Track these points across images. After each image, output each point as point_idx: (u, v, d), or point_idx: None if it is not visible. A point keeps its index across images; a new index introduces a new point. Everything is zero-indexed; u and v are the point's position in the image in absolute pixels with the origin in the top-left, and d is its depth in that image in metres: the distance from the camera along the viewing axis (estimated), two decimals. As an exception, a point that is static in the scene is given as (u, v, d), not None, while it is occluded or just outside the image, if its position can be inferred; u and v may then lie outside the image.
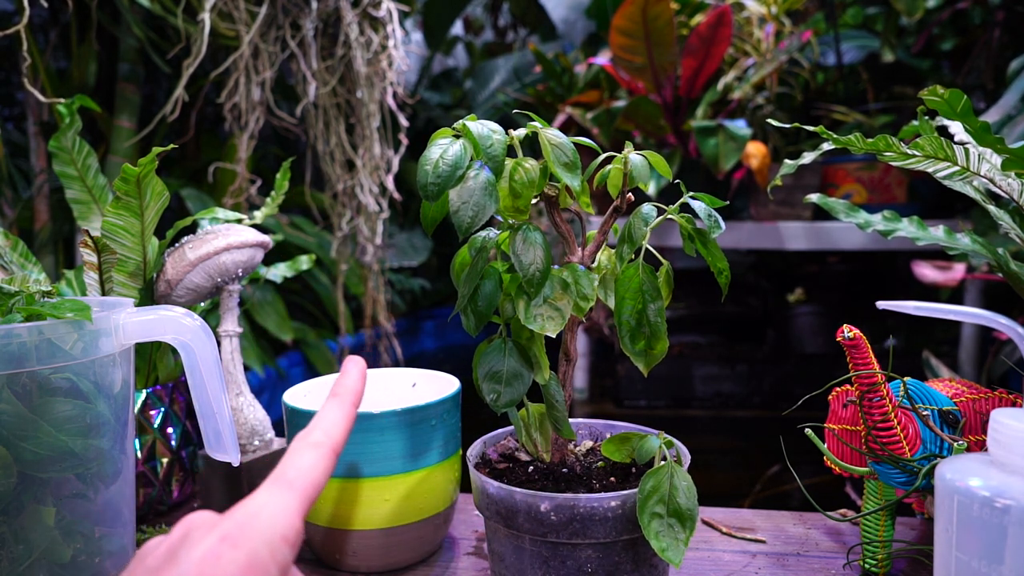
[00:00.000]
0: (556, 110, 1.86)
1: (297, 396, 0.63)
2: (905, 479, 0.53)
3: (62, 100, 0.76)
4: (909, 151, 0.54)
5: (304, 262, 0.83)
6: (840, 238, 1.70)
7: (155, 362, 0.72)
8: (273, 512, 0.29)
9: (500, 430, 0.59)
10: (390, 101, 1.43)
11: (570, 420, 0.52)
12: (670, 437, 0.51)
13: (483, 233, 0.49)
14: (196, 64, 1.18)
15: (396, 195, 1.51)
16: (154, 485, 0.70)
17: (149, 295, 0.68)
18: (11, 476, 0.45)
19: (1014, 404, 0.55)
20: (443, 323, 2.81)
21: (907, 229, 0.64)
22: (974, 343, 1.72)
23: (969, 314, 0.52)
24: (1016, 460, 0.38)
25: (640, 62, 1.58)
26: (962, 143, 0.61)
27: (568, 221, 0.51)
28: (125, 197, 0.62)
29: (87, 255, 0.66)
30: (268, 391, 1.75)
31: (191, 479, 0.74)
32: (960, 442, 0.51)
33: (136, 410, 0.69)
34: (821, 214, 1.72)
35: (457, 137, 0.45)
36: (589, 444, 0.58)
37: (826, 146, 0.57)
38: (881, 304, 0.57)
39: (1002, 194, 0.58)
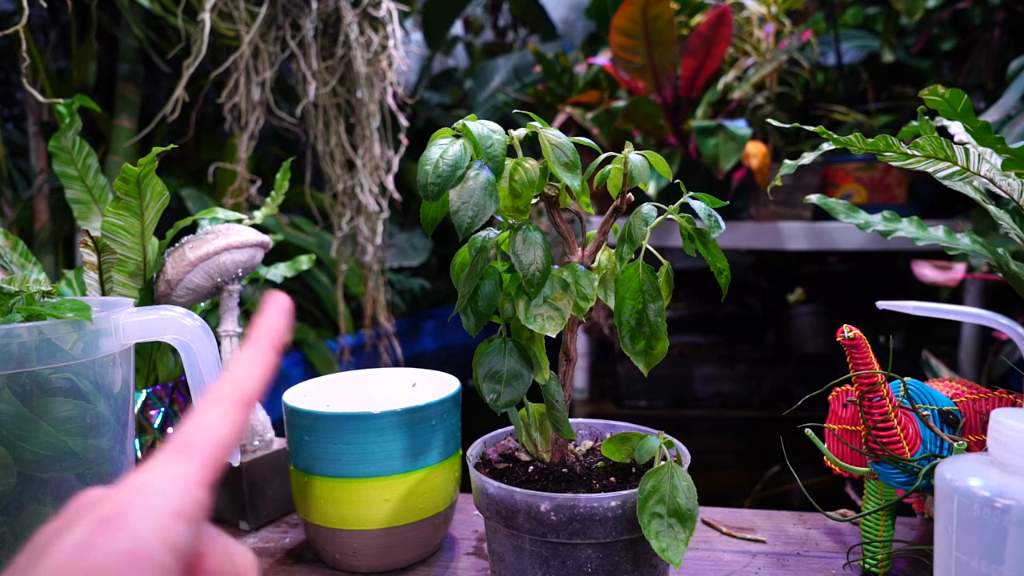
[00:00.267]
0: (556, 110, 1.86)
1: (297, 396, 0.63)
2: (905, 479, 0.53)
3: (62, 100, 0.76)
4: (909, 151, 0.54)
5: (304, 262, 0.83)
6: (840, 238, 1.70)
7: (155, 362, 0.72)
8: (162, 486, 0.24)
9: (500, 430, 0.59)
10: (390, 101, 1.43)
11: (570, 420, 0.52)
12: (670, 437, 0.51)
13: (483, 233, 0.49)
14: (196, 64, 1.18)
15: (396, 195, 1.51)
16: (154, 485, 0.70)
17: (149, 295, 0.68)
18: (11, 476, 0.45)
19: (1014, 404, 0.55)
20: (443, 323, 2.81)
21: (907, 229, 0.64)
22: (974, 343, 1.72)
23: (969, 314, 0.52)
24: (1016, 460, 0.38)
25: (640, 62, 1.58)
26: (962, 143, 0.61)
27: (568, 221, 0.51)
28: (125, 197, 0.62)
29: (87, 255, 0.67)
30: (268, 391, 1.75)
31: (191, 479, 0.74)
32: (960, 442, 0.51)
33: (136, 410, 0.69)
34: (821, 214, 1.72)
35: (457, 137, 0.45)
36: (589, 444, 0.58)
37: (826, 146, 0.57)
38: (881, 304, 0.57)
39: (1002, 194, 0.58)
